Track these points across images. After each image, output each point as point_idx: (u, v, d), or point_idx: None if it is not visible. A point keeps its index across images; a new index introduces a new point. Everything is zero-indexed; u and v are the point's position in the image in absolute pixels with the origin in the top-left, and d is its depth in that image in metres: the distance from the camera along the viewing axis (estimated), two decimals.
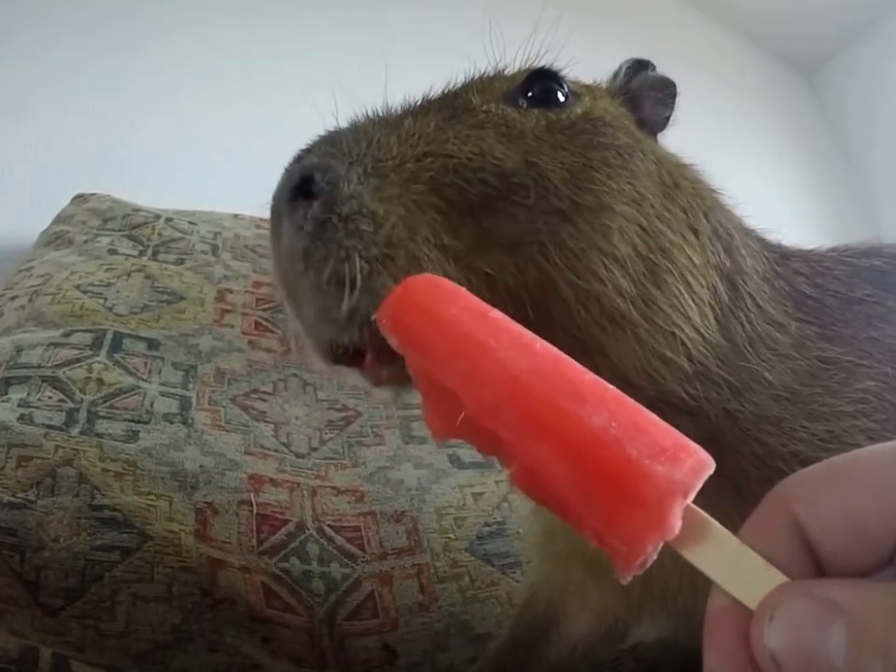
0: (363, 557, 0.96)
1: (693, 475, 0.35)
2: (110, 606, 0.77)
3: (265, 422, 1.10)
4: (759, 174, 3.39)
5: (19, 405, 0.94)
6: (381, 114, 0.63)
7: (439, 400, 0.42)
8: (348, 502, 1.02)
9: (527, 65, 0.68)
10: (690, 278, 0.60)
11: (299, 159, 0.57)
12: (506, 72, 0.69)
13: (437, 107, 0.63)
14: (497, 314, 0.44)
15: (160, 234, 1.48)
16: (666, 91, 0.75)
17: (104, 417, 0.97)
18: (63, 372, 1.02)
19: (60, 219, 1.51)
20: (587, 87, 0.70)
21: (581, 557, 0.73)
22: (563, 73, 0.68)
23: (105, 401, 1.00)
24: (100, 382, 1.02)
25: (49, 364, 1.03)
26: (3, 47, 1.92)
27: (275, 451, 1.05)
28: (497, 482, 1.14)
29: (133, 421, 0.98)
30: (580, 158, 0.59)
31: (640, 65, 0.75)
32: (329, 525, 0.97)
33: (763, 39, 4.01)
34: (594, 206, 0.57)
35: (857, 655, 0.29)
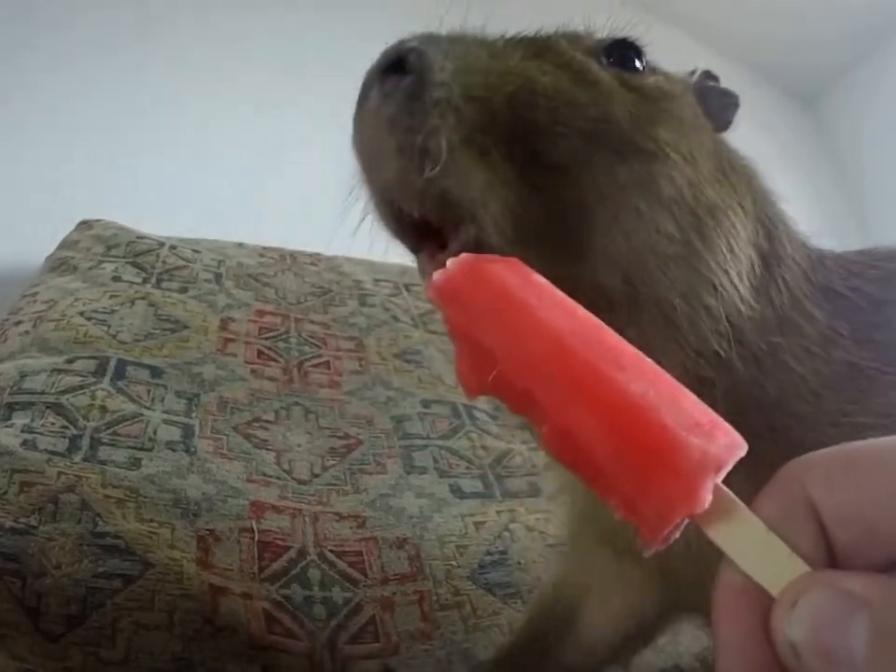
0: (365, 581, 0.95)
1: (728, 452, 0.36)
2: (111, 633, 0.76)
3: (267, 450, 1.10)
4: None
5: (22, 431, 0.94)
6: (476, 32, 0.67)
7: (473, 355, 0.42)
8: (350, 527, 1.02)
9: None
10: (732, 241, 0.63)
11: (399, 42, 0.59)
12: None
13: (527, 42, 0.67)
14: (539, 277, 0.45)
15: (164, 262, 1.49)
16: (730, 99, 0.80)
17: (106, 444, 0.97)
18: (67, 399, 1.02)
19: (64, 245, 1.52)
20: (666, 73, 0.74)
21: (605, 556, 0.75)
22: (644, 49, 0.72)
23: (108, 428, 1.00)
24: (103, 409, 1.03)
25: (53, 390, 1.03)
26: (8, 73, 1.94)
27: (277, 478, 1.05)
28: (498, 511, 1.14)
29: (135, 448, 0.98)
30: (646, 111, 0.63)
31: (709, 75, 0.80)
32: (330, 551, 0.97)
33: (762, 66, 4.03)
34: (650, 151, 0.61)
35: (878, 648, 0.29)
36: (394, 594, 0.96)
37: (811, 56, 3.98)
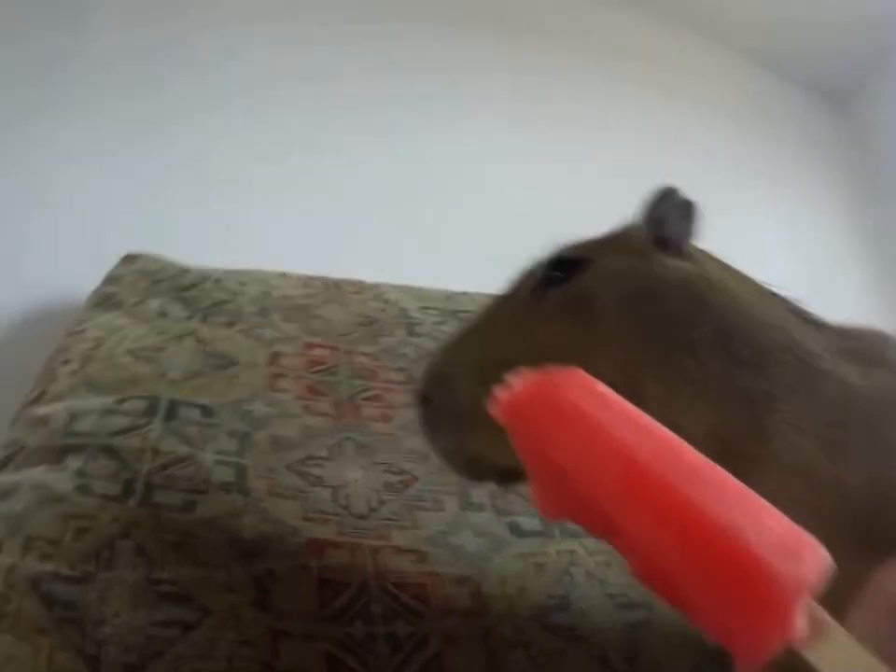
0: (429, 613, 0.93)
1: (816, 572, 0.35)
2: None
3: (322, 486, 1.08)
4: (789, 209, 3.34)
5: (76, 475, 0.93)
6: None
7: (547, 476, 0.42)
8: (411, 561, 1.00)
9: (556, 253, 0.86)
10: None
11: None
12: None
13: (499, 307, 0.88)
14: (604, 388, 0.44)
15: (210, 296, 1.47)
16: (687, 209, 0.84)
17: (160, 487, 0.96)
18: (119, 441, 1.01)
19: (109, 280, 1.51)
20: (602, 245, 0.85)
21: None
22: (574, 251, 0.84)
23: (162, 471, 0.99)
24: (155, 451, 1.01)
25: (104, 432, 1.02)
26: (50, 108, 1.96)
27: (334, 514, 1.03)
28: (557, 551, 1.11)
29: (189, 491, 0.97)
30: (568, 330, 0.76)
31: (666, 193, 0.85)
32: (392, 584, 0.95)
33: (789, 70, 3.97)
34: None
35: None
36: (458, 624, 0.94)
37: (840, 58, 3.92)
